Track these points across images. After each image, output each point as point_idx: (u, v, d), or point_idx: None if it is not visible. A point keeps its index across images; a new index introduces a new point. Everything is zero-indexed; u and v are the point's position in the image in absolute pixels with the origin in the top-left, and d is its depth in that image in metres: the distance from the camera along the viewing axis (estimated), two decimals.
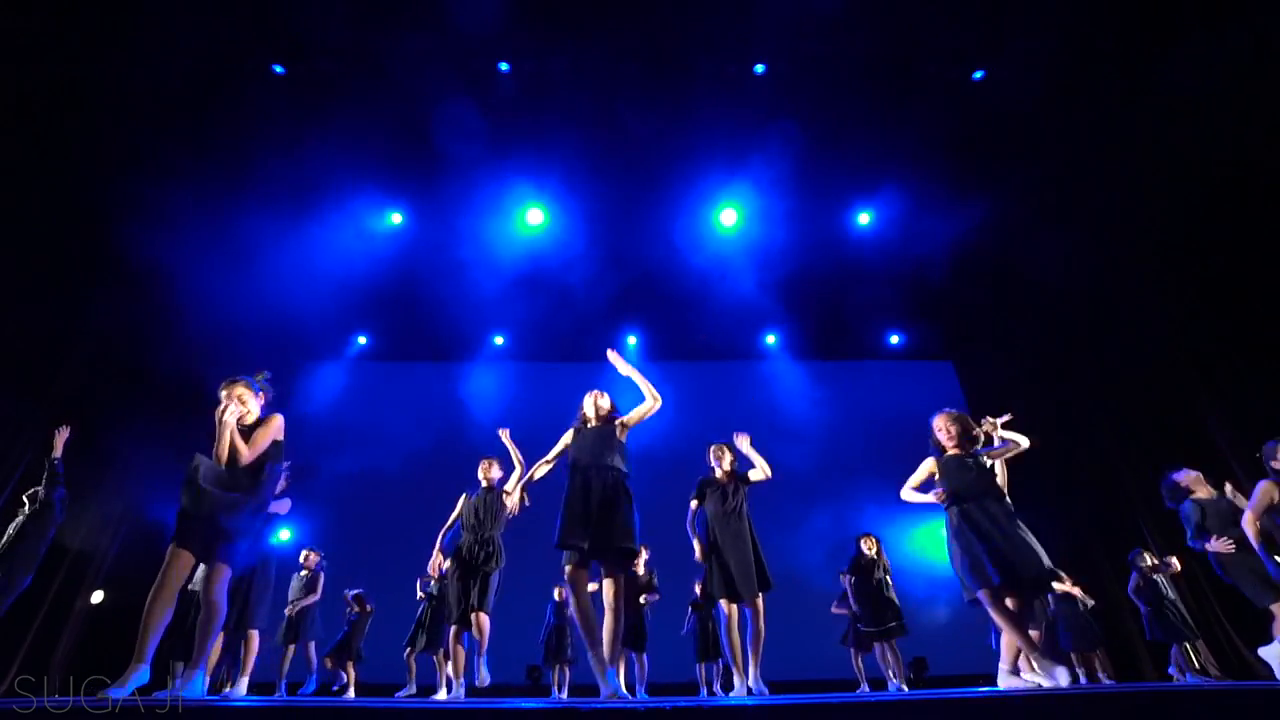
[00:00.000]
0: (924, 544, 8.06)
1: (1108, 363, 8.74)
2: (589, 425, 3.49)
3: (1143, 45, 6.77)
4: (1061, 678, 2.95)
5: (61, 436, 4.65)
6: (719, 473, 4.33)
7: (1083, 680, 4.54)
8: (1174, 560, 5.83)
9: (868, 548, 6.09)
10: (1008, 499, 3.50)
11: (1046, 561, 3.09)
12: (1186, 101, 6.73)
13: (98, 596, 7.36)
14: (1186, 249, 7.69)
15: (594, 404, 3.54)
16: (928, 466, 3.51)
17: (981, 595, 3.10)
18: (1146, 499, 7.97)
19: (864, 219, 9.00)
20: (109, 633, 7.01)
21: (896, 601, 5.82)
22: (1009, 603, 3.12)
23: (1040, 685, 3.14)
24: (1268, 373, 6.83)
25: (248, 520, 2.81)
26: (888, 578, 5.94)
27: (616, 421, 3.45)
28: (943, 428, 3.47)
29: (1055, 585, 5.32)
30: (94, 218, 7.16)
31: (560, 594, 6.76)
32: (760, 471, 4.22)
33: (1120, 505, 8.23)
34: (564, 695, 6.31)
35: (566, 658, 6.51)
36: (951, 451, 3.42)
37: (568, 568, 3.07)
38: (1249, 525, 3.63)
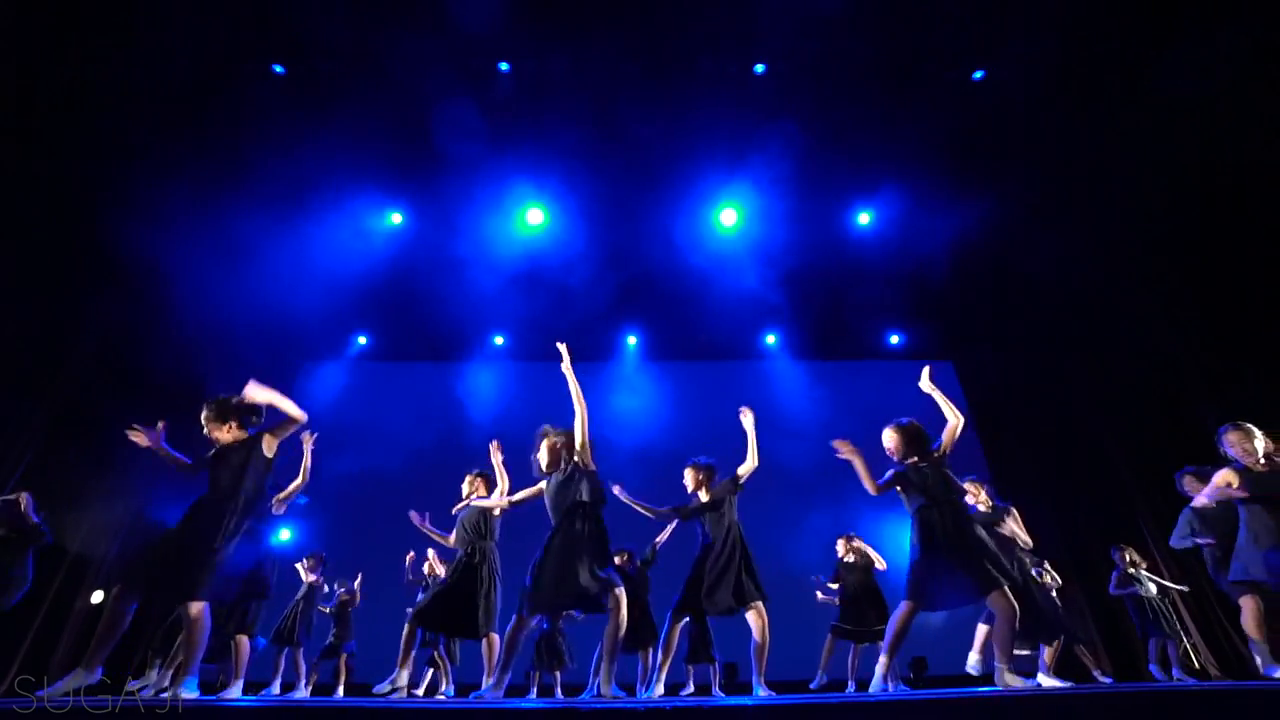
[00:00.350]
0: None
1: (1108, 362, 8.74)
2: (549, 473, 3.48)
3: (1142, 46, 6.77)
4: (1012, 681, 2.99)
5: (24, 501, 4.65)
6: (703, 496, 4.21)
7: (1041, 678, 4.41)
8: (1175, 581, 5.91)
9: (842, 550, 5.94)
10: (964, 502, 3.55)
11: (991, 570, 3.11)
12: (1186, 102, 6.73)
13: (98, 596, 7.35)
14: (1187, 249, 7.69)
15: (545, 450, 3.49)
16: (892, 481, 3.54)
17: None
18: (1146, 498, 7.98)
19: (864, 219, 9.00)
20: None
21: (882, 598, 5.67)
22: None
23: (1040, 684, 3.14)
24: (1268, 373, 6.83)
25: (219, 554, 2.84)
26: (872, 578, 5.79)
27: (574, 461, 3.42)
28: (886, 444, 3.53)
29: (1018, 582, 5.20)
30: (93, 218, 7.15)
31: None
32: (750, 460, 4.12)
33: (1120, 505, 8.23)
34: (559, 696, 6.26)
35: (561, 661, 6.43)
36: (909, 462, 3.47)
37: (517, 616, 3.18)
38: (1206, 500, 3.64)
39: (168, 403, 7.18)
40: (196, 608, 2.74)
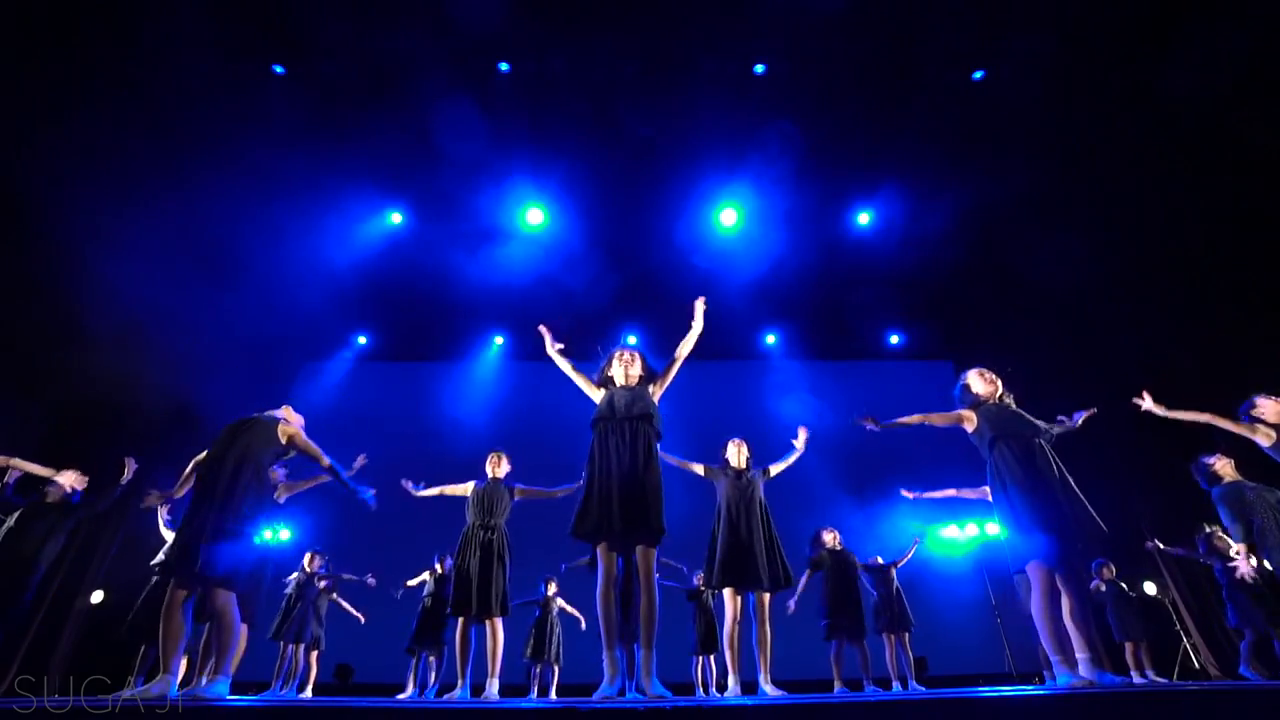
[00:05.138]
0: (923, 543, 8.05)
1: (1108, 363, 8.73)
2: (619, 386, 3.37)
3: (1143, 44, 6.76)
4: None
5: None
6: (735, 461, 4.32)
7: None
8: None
9: (831, 540, 5.87)
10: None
11: None
12: (1187, 101, 6.73)
13: (98, 596, 7.35)
14: (1187, 249, 7.69)
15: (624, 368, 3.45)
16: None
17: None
18: (1147, 499, 7.98)
19: (864, 219, 9.00)
20: (109, 633, 7.01)
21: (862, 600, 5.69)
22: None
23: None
24: (1269, 374, 6.81)
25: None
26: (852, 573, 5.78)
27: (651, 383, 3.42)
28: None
29: None
30: (91, 218, 7.15)
31: (553, 587, 6.64)
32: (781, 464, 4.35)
33: (1119, 506, 8.22)
34: (552, 696, 6.20)
35: (554, 656, 6.36)
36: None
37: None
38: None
39: (168, 403, 7.22)
40: (222, 599, 2.63)
